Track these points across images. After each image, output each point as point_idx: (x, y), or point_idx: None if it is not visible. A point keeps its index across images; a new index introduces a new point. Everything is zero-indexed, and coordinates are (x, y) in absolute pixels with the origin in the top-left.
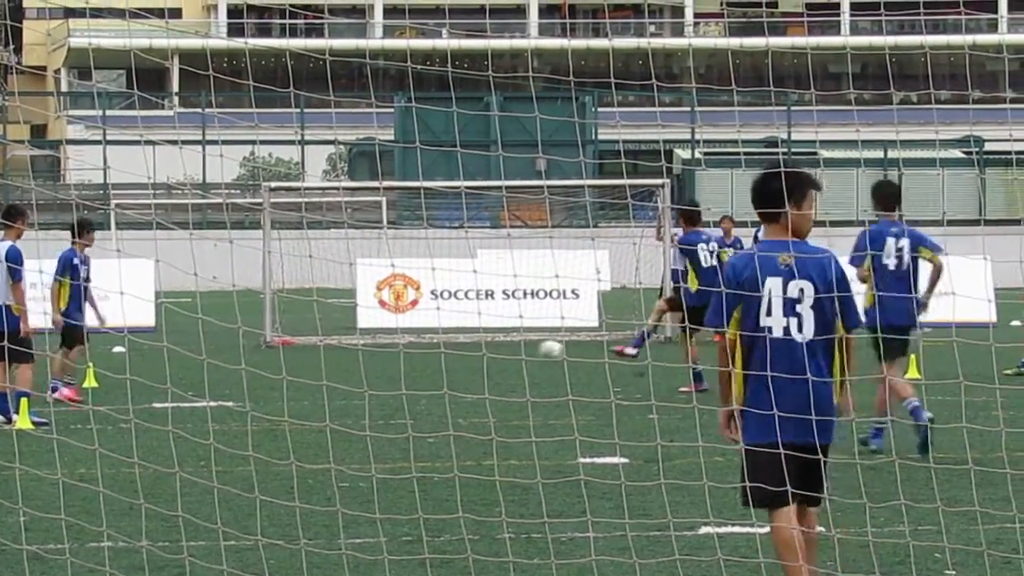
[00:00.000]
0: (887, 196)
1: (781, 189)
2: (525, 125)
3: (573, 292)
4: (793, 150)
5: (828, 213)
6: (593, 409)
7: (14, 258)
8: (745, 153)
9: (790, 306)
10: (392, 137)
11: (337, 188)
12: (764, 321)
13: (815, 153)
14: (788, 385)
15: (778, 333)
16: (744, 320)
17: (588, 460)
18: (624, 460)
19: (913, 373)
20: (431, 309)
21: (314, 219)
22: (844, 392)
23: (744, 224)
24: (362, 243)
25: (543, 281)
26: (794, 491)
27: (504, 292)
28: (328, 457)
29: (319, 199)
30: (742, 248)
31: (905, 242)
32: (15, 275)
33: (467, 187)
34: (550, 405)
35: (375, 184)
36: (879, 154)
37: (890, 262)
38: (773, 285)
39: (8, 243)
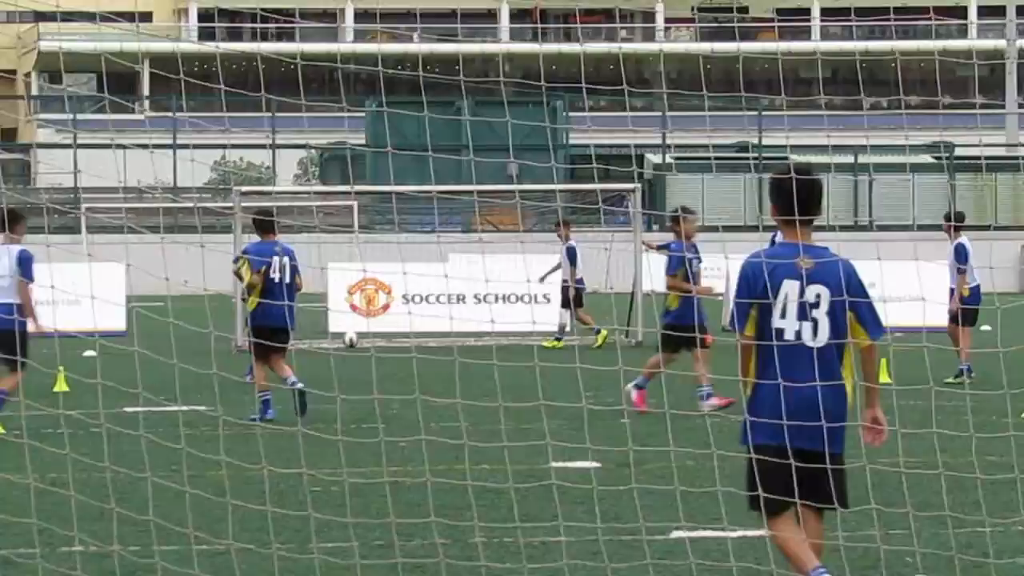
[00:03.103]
0: (264, 223)
1: (819, 195)
2: (496, 129)
3: (544, 297)
4: (764, 155)
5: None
6: (565, 414)
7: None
8: (716, 158)
9: (806, 310)
10: (363, 141)
11: (308, 192)
12: (777, 324)
13: (786, 158)
14: (796, 389)
15: (790, 337)
16: (759, 322)
17: (560, 464)
18: (596, 464)
19: (884, 378)
20: (402, 313)
21: (285, 223)
22: (874, 403)
23: (714, 228)
24: (333, 247)
25: (514, 285)
26: (792, 498)
27: (475, 296)
28: (300, 461)
29: (290, 203)
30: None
31: (287, 259)
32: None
33: (439, 191)
34: (522, 409)
35: (346, 188)
36: (850, 159)
37: (276, 275)
38: (790, 288)
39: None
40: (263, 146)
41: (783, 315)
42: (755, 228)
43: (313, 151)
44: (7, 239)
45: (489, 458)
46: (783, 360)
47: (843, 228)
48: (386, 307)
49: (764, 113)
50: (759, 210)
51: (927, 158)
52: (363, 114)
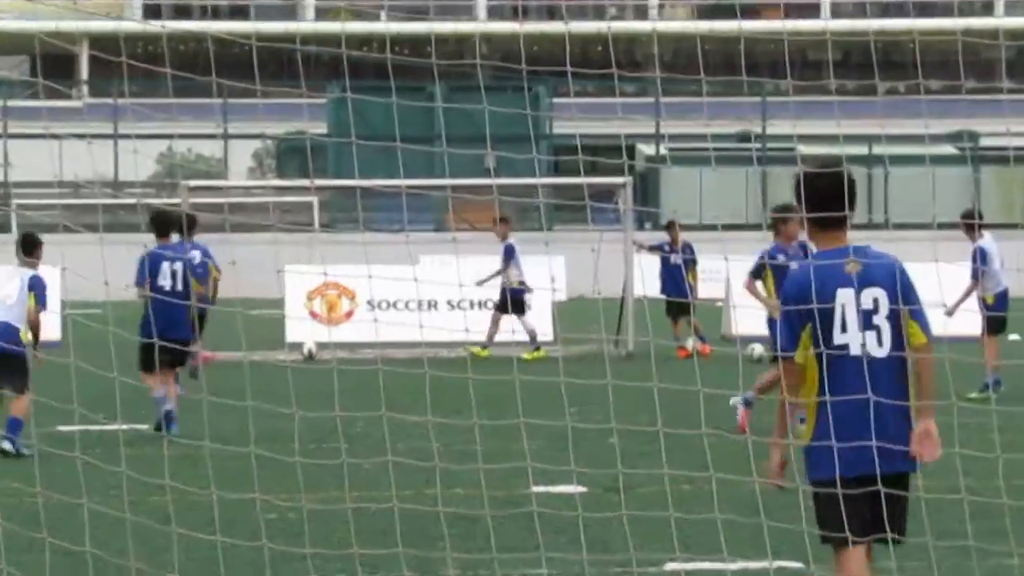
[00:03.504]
0: (162, 223)
1: (846, 190)
2: (472, 118)
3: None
4: (768, 145)
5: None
6: (547, 432)
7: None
8: (715, 149)
9: (866, 318)
10: (325, 131)
11: (264, 187)
12: (839, 339)
13: (792, 149)
14: (873, 408)
15: (856, 351)
16: (815, 340)
17: (542, 489)
18: (581, 489)
19: None
20: (368, 321)
21: (239, 221)
22: (930, 413)
23: (713, 227)
24: (291, 248)
25: (491, 291)
26: (875, 530)
27: (449, 302)
28: (253, 486)
29: (244, 199)
30: (692, 255)
31: (179, 265)
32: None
33: (408, 186)
34: (499, 428)
35: (306, 183)
36: (863, 150)
37: (166, 282)
38: (845, 298)
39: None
40: (214, 136)
41: (843, 328)
42: (758, 227)
43: (269, 142)
44: (22, 263)
45: (463, 482)
46: (855, 378)
47: (856, 226)
48: (349, 314)
49: (768, 99)
50: (763, 206)
51: (949, 149)
52: (324, 101)
